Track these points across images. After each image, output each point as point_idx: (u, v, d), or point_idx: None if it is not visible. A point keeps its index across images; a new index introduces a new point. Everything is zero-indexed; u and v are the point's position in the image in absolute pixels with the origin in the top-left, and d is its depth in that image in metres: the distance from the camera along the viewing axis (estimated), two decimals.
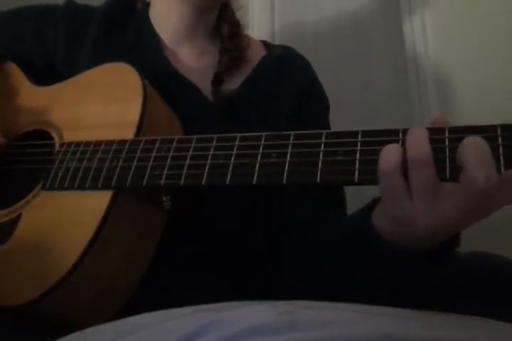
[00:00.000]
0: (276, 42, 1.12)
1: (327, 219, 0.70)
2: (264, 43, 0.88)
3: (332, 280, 0.61)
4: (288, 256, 0.70)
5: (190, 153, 0.59)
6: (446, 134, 0.48)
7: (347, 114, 1.11)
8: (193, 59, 0.80)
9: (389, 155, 0.48)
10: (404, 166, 0.48)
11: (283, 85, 0.81)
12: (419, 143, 0.47)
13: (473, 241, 1.10)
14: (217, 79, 0.77)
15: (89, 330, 0.43)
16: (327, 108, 0.86)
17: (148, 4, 0.84)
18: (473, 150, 0.45)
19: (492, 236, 1.10)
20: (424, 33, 1.24)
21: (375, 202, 0.54)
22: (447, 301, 0.55)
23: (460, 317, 0.42)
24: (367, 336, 0.35)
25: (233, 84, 0.79)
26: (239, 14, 0.85)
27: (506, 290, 0.58)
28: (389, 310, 0.41)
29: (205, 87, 0.77)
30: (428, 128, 0.49)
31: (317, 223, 0.70)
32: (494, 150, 0.46)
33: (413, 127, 0.50)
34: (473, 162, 0.45)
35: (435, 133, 0.49)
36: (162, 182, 0.58)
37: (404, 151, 0.48)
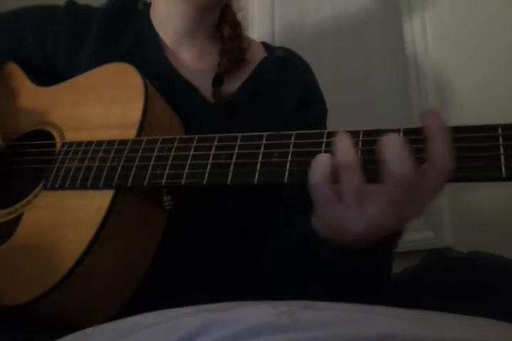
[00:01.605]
0: (276, 42, 1.12)
1: None
2: (265, 45, 0.88)
3: (295, 277, 0.62)
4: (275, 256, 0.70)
5: (191, 152, 0.59)
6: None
7: (347, 114, 1.11)
8: (193, 60, 0.80)
9: (318, 167, 0.50)
10: (334, 173, 0.49)
11: (283, 87, 0.81)
12: (345, 151, 0.49)
13: (473, 241, 1.11)
14: (218, 81, 0.77)
15: (89, 330, 0.43)
16: (326, 111, 0.86)
17: (148, 5, 0.84)
18: (390, 148, 0.47)
19: (492, 236, 1.11)
20: (424, 33, 1.24)
21: None
22: (449, 301, 0.55)
23: (460, 317, 0.42)
24: (367, 336, 0.35)
25: (233, 85, 0.79)
26: (239, 16, 0.85)
27: (506, 290, 0.58)
28: (389, 310, 0.41)
29: (206, 88, 0.77)
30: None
31: None
32: (494, 149, 0.46)
33: (338, 134, 0.51)
34: (390, 158, 0.47)
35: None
36: (163, 181, 0.58)
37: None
